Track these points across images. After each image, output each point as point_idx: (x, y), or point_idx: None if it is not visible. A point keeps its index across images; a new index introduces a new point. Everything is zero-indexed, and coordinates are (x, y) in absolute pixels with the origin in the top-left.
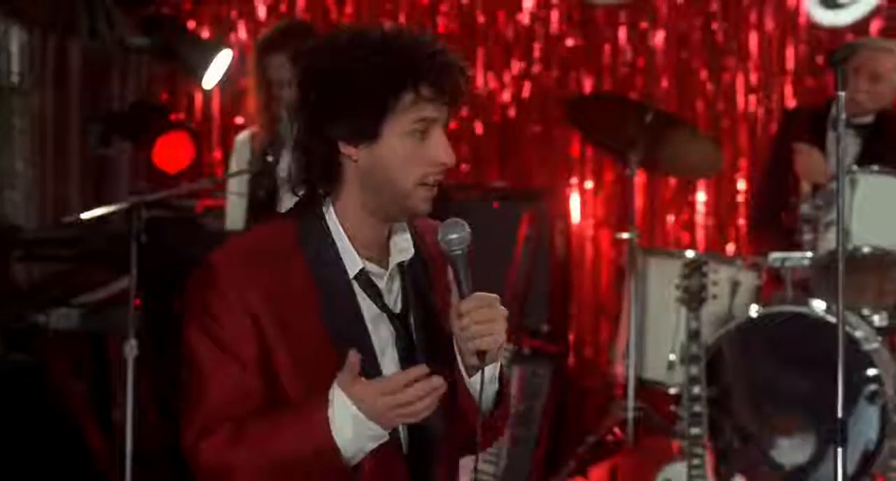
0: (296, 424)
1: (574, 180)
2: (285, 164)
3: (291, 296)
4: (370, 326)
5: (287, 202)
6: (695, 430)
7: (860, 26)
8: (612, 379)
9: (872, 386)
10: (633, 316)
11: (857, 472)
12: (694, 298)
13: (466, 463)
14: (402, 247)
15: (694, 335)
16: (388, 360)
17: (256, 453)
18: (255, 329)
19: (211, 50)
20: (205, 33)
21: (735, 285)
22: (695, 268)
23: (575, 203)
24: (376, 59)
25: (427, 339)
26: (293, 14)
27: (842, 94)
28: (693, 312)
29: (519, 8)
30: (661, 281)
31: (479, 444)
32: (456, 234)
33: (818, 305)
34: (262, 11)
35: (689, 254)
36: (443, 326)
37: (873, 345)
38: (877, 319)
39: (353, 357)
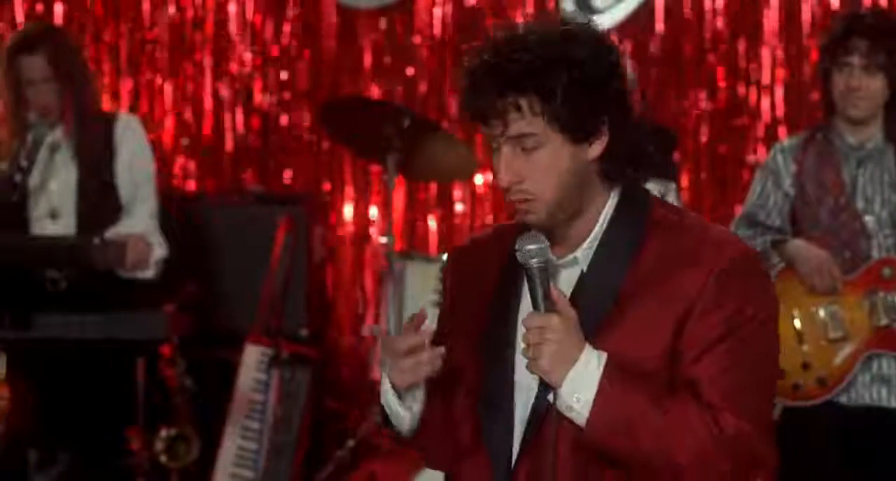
0: None
1: (336, 185)
2: (38, 172)
3: (479, 287)
4: (520, 324)
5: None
6: None
7: None
8: (370, 383)
9: None
10: (392, 320)
11: None
12: None
13: None
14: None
15: None
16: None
17: None
18: (448, 313)
19: None
20: None
21: None
22: None
23: (336, 207)
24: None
25: None
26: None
27: None
28: None
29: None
30: (419, 285)
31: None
32: (533, 245)
33: None
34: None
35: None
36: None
37: None
38: None
39: (423, 315)
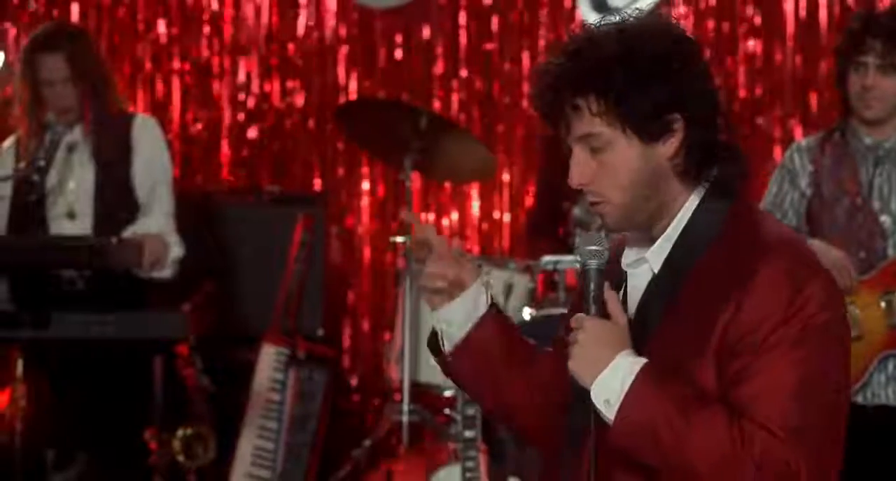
0: None
1: (353, 184)
2: (56, 172)
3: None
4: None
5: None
6: (469, 433)
7: None
8: (387, 383)
9: None
10: (408, 319)
11: None
12: None
13: None
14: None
15: None
16: None
17: None
18: None
19: None
20: None
21: (508, 288)
22: None
23: (353, 207)
24: None
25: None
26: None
27: None
28: None
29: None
30: None
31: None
32: (593, 247)
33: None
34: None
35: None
36: (667, 353)
37: None
38: None
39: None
